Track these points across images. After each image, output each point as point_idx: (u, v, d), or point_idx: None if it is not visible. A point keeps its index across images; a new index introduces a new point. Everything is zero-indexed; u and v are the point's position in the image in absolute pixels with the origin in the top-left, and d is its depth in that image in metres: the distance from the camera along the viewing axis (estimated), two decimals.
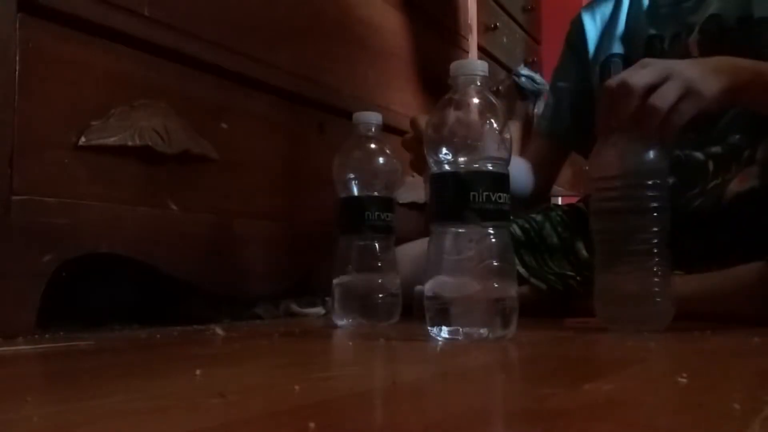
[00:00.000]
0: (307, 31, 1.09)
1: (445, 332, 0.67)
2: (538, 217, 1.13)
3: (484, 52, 1.74)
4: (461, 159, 0.68)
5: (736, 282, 0.84)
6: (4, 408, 0.37)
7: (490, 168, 0.67)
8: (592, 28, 1.17)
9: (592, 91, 1.15)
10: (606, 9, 1.16)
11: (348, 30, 1.19)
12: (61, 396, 0.41)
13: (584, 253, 1.08)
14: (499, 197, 0.67)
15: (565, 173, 2.19)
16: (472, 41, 1.67)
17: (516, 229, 1.11)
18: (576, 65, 1.19)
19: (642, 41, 1.09)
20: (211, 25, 0.93)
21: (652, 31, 1.08)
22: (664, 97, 0.74)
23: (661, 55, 1.05)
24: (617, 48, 1.13)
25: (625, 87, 0.74)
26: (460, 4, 1.63)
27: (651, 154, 0.76)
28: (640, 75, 0.75)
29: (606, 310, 0.78)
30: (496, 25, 1.82)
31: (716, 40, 1.01)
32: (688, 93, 0.75)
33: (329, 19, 1.15)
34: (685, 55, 1.03)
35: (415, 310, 1.02)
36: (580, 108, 1.17)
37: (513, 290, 0.68)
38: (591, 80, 1.16)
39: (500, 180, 0.68)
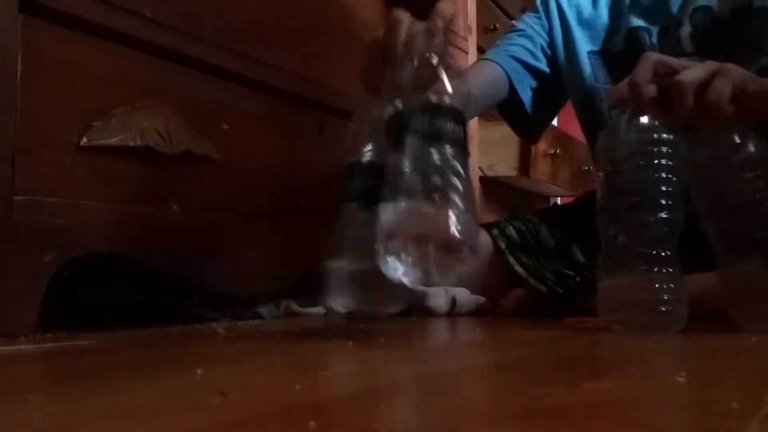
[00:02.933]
0: (307, 31, 1.09)
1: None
2: (535, 219, 1.13)
3: (483, 53, 1.74)
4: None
5: None
6: (5, 407, 0.37)
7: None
8: (572, 15, 1.12)
9: (555, 70, 1.12)
10: (584, 1, 1.12)
11: (348, 30, 1.19)
12: (62, 395, 0.41)
13: (580, 257, 1.08)
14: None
15: (564, 173, 2.20)
16: (472, 42, 1.67)
17: (512, 231, 1.11)
18: (547, 38, 1.14)
19: (623, 33, 1.06)
20: (212, 26, 0.93)
21: (636, 23, 1.05)
22: (688, 73, 0.73)
23: (650, 48, 1.03)
24: (596, 44, 1.10)
25: (678, 85, 0.73)
26: (460, 6, 1.63)
27: (668, 144, 0.74)
28: (660, 56, 0.75)
29: (610, 314, 0.77)
30: (495, 26, 1.82)
31: (710, 32, 0.99)
32: (717, 72, 0.74)
33: (329, 20, 1.15)
34: (677, 48, 1.01)
35: (415, 310, 1.02)
36: (544, 75, 1.12)
37: None
38: (558, 65, 1.13)
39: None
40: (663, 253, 0.74)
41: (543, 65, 1.13)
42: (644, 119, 0.75)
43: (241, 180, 0.98)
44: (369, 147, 0.68)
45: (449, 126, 0.61)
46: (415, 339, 0.74)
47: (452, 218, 0.58)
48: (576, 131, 2.46)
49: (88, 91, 0.78)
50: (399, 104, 0.63)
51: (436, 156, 0.60)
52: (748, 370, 0.51)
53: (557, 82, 1.13)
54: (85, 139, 0.77)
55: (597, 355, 0.64)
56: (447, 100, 0.62)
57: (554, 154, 2.08)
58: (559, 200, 2.31)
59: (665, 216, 0.74)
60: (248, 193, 0.99)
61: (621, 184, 0.76)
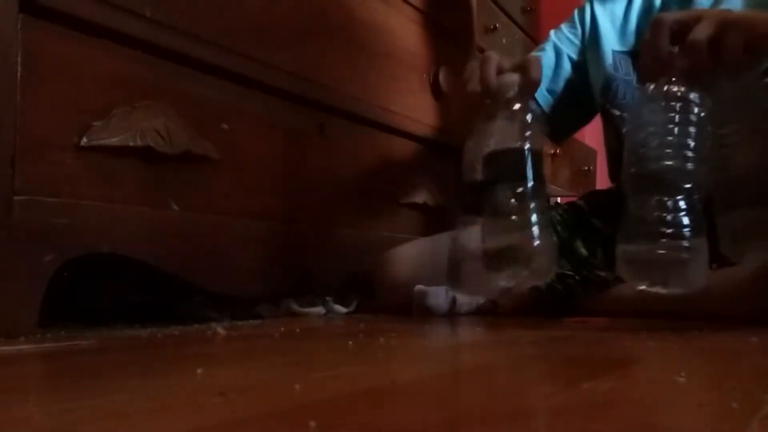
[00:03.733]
0: (307, 32, 1.09)
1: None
2: None
3: (483, 53, 1.74)
4: None
5: (733, 281, 0.84)
6: (5, 407, 0.37)
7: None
8: (605, 20, 1.17)
9: (585, 76, 1.17)
10: (618, 7, 1.16)
11: (348, 31, 1.19)
12: (62, 395, 0.41)
13: (583, 251, 1.09)
14: None
15: (564, 173, 2.20)
16: (472, 42, 1.67)
17: None
18: (579, 44, 1.20)
19: None
20: (212, 26, 0.93)
21: None
22: (701, 30, 0.74)
23: None
24: (625, 46, 1.14)
25: (657, 21, 0.77)
26: (460, 6, 1.63)
27: (694, 103, 0.75)
28: (672, 15, 0.77)
29: (633, 271, 0.76)
30: (495, 26, 1.82)
31: None
32: (726, 25, 0.75)
33: (329, 20, 1.15)
34: None
35: (415, 310, 1.02)
36: (571, 84, 1.18)
37: None
38: (588, 68, 1.17)
39: None
40: (685, 206, 0.74)
41: (566, 74, 1.19)
42: (670, 85, 0.77)
43: (241, 180, 0.98)
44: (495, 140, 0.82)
45: (529, 165, 0.79)
46: (415, 339, 0.74)
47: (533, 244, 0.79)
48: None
49: (88, 91, 0.78)
50: (491, 146, 0.82)
51: (520, 191, 0.79)
52: (747, 371, 0.51)
53: (582, 91, 1.18)
54: (85, 139, 0.77)
55: (597, 355, 0.64)
56: (527, 143, 0.80)
57: (554, 154, 2.08)
58: (559, 200, 2.31)
59: (690, 167, 0.74)
60: (248, 193, 0.99)
61: (648, 142, 0.77)
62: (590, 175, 2.41)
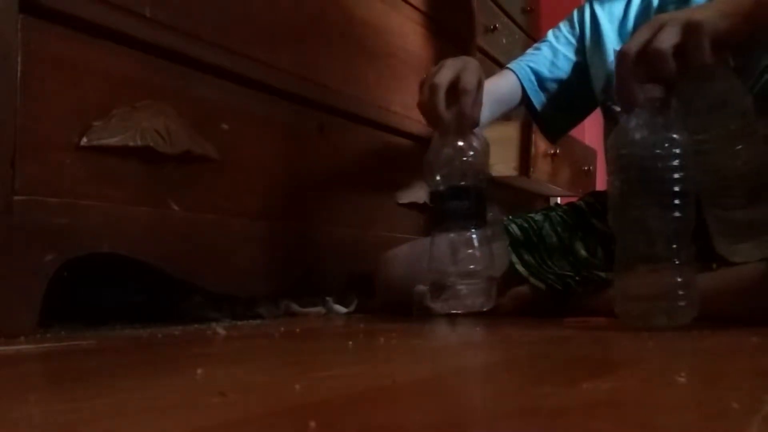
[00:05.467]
0: (307, 32, 1.09)
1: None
2: (538, 217, 1.14)
3: (483, 53, 1.74)
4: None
5: (735, 281, 0.84)
6: (5, 407, 0.37)
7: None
8: (605, 20, 1.17)
9: (583, 75, 1.18)
10: (617, 8, 1.17)
11: (348, 31, 1.19)
12: (62, 395, 0.41)
13: (583, 253, 1.09)
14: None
15: (564, 173, 2.20)
16: (472, 42, 1.67)
17: (515, 228, 1.11)
18: (577, 44, 1.20)
19: None
20: (212, 26, 0.93)
21: None
22: (663, 39, 0.75)
23: None
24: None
25: (622, 55, 0.78)
26: (461, 6, 1.63)
27: (674, 130, 0.76)
28: (633, 39, 0.77)
29: (627, 307, 0.77)
30: (495, 27, 1.82)
31: None
32: (689, 28, 0.75)
33: (329, 20, 1.15)
34: None
35: (415, 310, 1.02)
36: (567, 83, 1.19)
37: None
38: (588, 67, 1.18)
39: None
40: (675, 249, 0.74)
41: (562, 73, 1.19)
42: (648, 126, 0.77)
43: (241, 180, 0.98)
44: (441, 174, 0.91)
45: (467, 204, 0.89)
46: (415, 339, 0.74)
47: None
48: (576, 131, 2.46)
49: (88, 91, 0.78)
50: (436, 184, 0.90)
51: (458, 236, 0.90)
52: (747, 370, 0.51)
53: (578, 90, 1.18)
54: (85, 139, 0.77)
55: (597, 355, 0.64)
56: (468, 181, 0.89)
57: (554, 154, 2.08)
58: (559, 200, 2.31)
59: (677, 215, 0.75)
60: (248, 193, 0.99)
61: (633, 185, 0.77)
62: (590, 175, 2.41)
